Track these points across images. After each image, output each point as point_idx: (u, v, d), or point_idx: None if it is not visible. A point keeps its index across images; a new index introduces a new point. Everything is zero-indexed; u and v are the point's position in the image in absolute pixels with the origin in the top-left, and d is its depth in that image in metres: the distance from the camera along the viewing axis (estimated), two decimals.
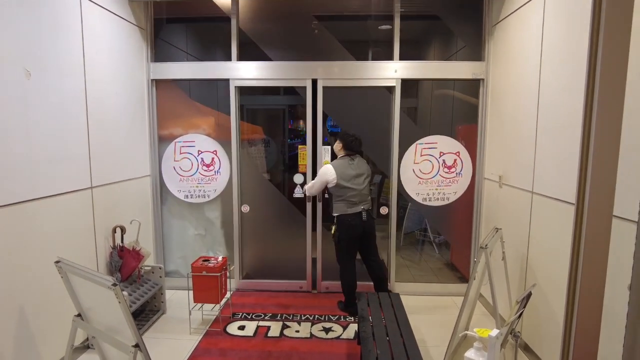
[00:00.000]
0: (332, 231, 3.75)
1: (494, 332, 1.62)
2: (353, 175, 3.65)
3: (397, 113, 4.03)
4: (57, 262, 2.23)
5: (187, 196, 4.32)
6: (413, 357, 2.33)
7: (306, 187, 3.99)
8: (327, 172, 3.66)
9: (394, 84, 4.01)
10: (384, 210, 4.27)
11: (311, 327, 3.52)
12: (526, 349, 3.06)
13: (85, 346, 3.08)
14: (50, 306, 2.74)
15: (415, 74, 4.04)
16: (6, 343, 2.40)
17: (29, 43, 2.56)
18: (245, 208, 4.30)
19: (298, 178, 4.27)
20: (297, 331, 3.45)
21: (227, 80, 4.13)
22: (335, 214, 3.71)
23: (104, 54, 3.42)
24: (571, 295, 1.35)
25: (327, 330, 3.47)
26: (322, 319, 3.68)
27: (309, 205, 4.23)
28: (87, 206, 3.17)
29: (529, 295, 2.20)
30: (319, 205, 4.22)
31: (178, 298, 4.03)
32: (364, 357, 2.42)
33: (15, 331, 2.46)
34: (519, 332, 1.93)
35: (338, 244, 3.74)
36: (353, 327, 3.50)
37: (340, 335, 3.39)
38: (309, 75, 4.09)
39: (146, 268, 3.66)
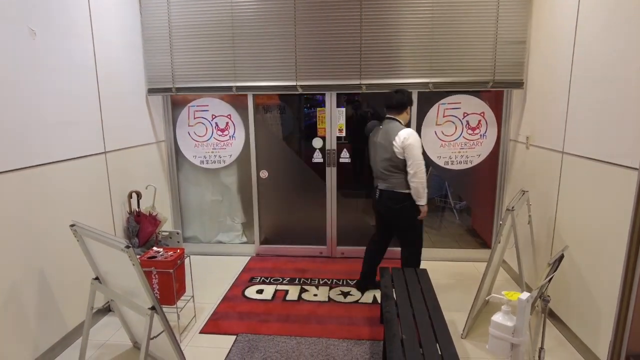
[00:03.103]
0: None
1: (524, 295, 1.52)
2: (375, 142, 3.15)
3: None
4: (72, 225, 2.21)
5: (202, 162, 4.27)
6: (443, 343, 2.04)
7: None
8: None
9: None
10: None
11: (329, 291, 3.50)
12: (551, 314, 2.97)
13: (107, 309, 3.13)
14: (71, 269, 2.76)
15: None
16: (29, 304, 2.44)
17: (33, 1, 2.46)
18: (264, 174, 4.24)
19: (317, 142, 4.15)
20: (315, 295, 3.43)
21: None
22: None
23: (112, 13, 3.29)
24: (630, 271, 1.23)
25: (345, 294, 3.44)
26: (340, 283, 3.65)
27: (328, 170, 4.13)
28: (102, 171, 3.14)
29: (561, 257, 2.08)
30: (334, 171, 4.12)
31: (196, 263, 4.05)
32: (387, 339, 2.15)
33: (37, 294, 2.49)
34: (548, 296, 1.83)
35: None
36: (371, 292, 3.46)
37: (359, 299, 3.35)
38: None
39: (164, 233, 3.66)
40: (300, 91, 3.78)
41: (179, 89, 3.87)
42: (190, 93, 3.99)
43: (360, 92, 3.76)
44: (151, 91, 3.88)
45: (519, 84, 3.58)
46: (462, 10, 3.51)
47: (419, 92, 3.83)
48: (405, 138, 2.94)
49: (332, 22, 3.64)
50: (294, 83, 3.76)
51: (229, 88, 3.84)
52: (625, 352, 1.66)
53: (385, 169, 3.04)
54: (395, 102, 3.06)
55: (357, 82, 3.71)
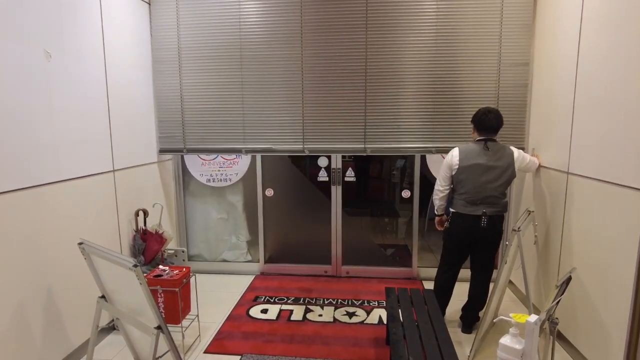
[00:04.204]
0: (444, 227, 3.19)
1: (533, 317, 1.51)
2: (482, 165, 2.90)
3: None
4: (80, 243, 2.23)
5: (209, 180, 4.31)
6: None
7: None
8: (451, 153, 3.01)
9: None
10: (406, 193, 4.16)
11: (334, 311, 3.47)
12: (560, 336, 2.92)
13: (111, 327, 3.12)
14: (77, 287, 2.76)
15: None
16: (36, 321, 2.44)
17: (48, 24, 2.54)
18: (270, 192, 4.26)
19: (322, 161, 4.19)
20: (320, 315, 3.40)
21: None
22: (451, 209, 3.08)
23: (123, 36, 3.38)
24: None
25: (350, 314, 3.41)
26: (345, 303, 3.62)
27: (333, 189, 4.15)
28: (110, 189, 3.17)
29: (569, 279, 2.07)
30: (339, 189, 4.14)
31: (201, 281, 4.04)
32: None
33: (43, 311, 2.50)
34: (557, 318, 1.81)
35: (443, 242, 3.21)
36: (377, 312, 3.44)
37: (364, 320, 3.32)
38: None
39: (169, 251, 3.67)
40: (307, 153, 3.92)
41: (189, 150, 4.02)
42: (200, 153, 4.16)
43: (364, 154, 3.87)
44: (162, 151, 4.02)
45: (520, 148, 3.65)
46: (463, 80, 3.66)
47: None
48: (517, 152, 3.01)
49: (337, 89, 3.79)
50: (301, 146, 3.89)
51: (239, 150, 3.97)
52: None
53: (501, 193, 2.93)
54: (495, 124, 2.94)
55: (361, 145, 3.84)
